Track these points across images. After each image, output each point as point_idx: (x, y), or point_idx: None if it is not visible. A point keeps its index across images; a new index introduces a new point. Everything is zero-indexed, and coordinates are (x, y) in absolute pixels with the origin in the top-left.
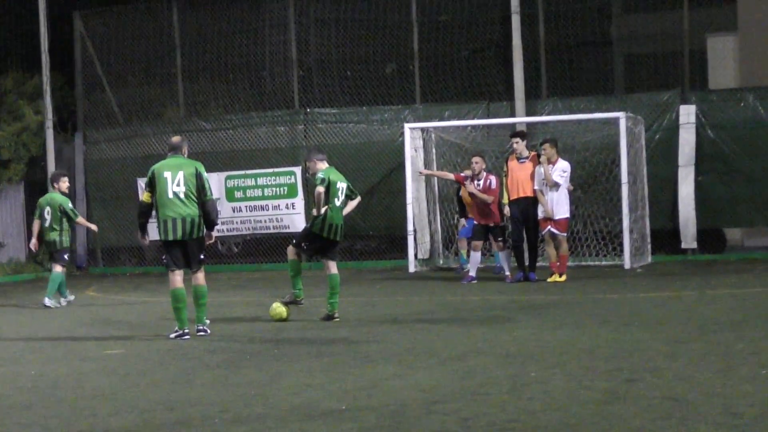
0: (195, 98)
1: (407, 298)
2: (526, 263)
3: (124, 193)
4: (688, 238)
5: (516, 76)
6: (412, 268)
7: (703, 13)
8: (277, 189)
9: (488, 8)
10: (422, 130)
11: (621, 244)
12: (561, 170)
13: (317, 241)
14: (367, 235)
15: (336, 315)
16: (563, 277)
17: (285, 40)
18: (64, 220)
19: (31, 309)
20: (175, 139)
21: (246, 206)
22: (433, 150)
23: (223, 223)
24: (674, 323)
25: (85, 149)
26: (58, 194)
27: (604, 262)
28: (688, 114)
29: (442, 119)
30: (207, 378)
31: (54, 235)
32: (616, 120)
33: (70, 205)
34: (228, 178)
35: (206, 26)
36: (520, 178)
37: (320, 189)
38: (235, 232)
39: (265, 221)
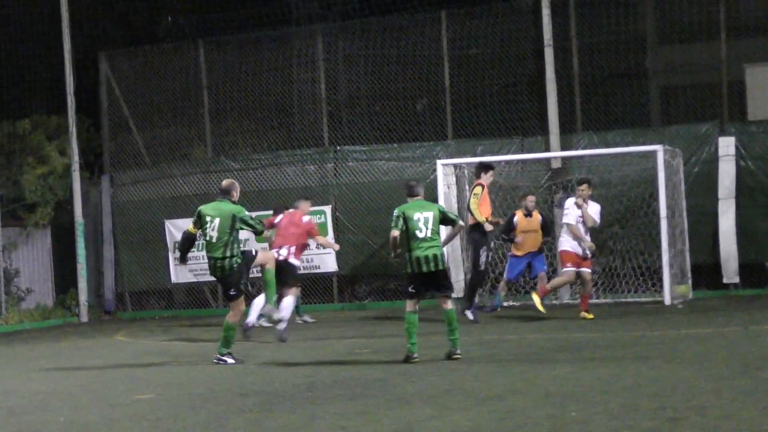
0: (223, 138)
1: (443, 338)
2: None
3: (151, 236)
4: (730, 273)
5: (550, 110)
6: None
7: (741, 43)
8: None
9: (520, 41)
10: (455, 166)
11: (660, 280)
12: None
13: (417, 279)
14: (400, 275)
15: (458, 352)
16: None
17: (313, 77)
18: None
19: (60, 355)
20: (225, 182)
21: None
22: (467, 186)
23: (253, 265)
24: (717, 360)
25: (112, 192)
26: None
27: (643, 299)
28: (727, 146)
29: (474, 155)
30: (240, 422)
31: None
32: (653, 153)
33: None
34: (258, 217)
35: (233, 65)
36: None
37: (393, 233)
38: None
39: None
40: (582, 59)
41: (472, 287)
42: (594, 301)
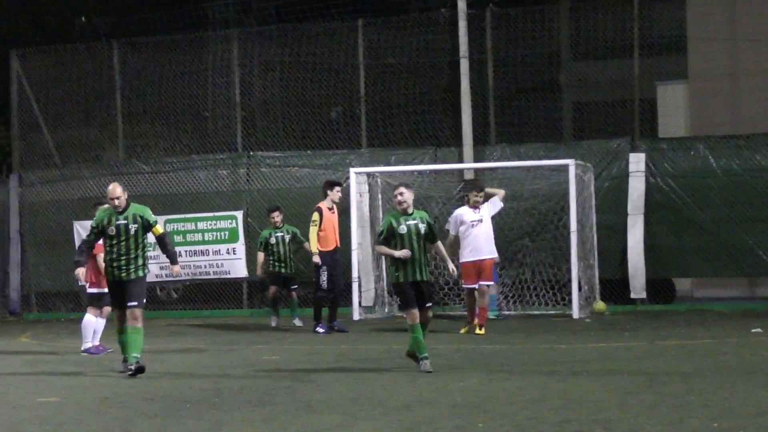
0: (135, 141)
1: (351, 347)
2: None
3: (60, 237)
4: (638, 288)
5: (464, 122)
6: (356, 316)
7: (653, 61)
8: (218, 233)
9: (436, 52)
10: (368, 174)
11: (569, 293)
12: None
13: (405, 288)
14: (309, 282)
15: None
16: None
17: (228, 82)
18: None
19: None
20: None
21: (186, 251)
22: (379, 195)
23: (162, 268)
24: (624, 374)
25: (21, 191)
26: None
27: (551, 311)
28: (638, 162)
29: (388, 164)
30: (145, 427)
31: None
32: (565, 167)
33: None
34: (168, 221)
35: (147, 67)
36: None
37: (378, 249)
38: (174, 278)
39: (206, 266)
40: (497, 72)
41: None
42: (504, 312)
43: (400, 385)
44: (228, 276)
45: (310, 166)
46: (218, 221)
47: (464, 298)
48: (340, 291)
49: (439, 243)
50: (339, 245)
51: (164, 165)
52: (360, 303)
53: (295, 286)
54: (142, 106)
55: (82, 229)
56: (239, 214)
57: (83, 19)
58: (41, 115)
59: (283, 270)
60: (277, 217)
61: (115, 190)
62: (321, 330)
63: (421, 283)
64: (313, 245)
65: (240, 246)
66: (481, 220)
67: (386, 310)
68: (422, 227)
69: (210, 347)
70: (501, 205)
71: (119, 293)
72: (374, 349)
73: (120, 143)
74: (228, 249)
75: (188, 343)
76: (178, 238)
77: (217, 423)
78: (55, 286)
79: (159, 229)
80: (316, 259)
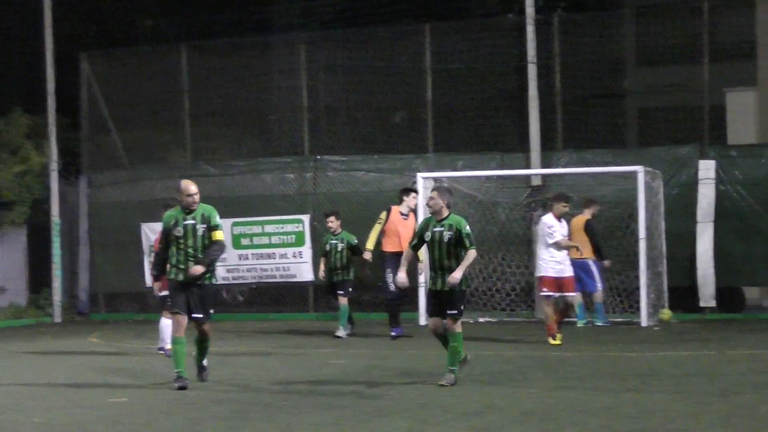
0: (202, 143)
1: (419, 352)
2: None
3: (127, 238)
4: (707, 297)
5: (531, 127)
6: (423, 321)
7: (721, 67)
8: (285, 237)
9: (504, 57)
10: (435, 179)
11: (637, 301)
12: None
13: (427, 297)
14: (376, 286)
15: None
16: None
17: (294, 85)
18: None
19: (33, 355)
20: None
21: (253, 254)
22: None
23: (228, 271)
24: (695, 384)
25: (89, 192)
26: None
27: (619, 319)
28: (707, 169)
29: (454, 169)
30: (215, 429)
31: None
32: (633, 174)
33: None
34: (234, 224)
35: (215, 70)
36: (402, 232)
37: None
38: (240, 281)
39: (272, 270)
40: (564, 77)
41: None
42: (570, 319)
43: (468, 392)
44: (294, 280)
45: (375, 170)
46: (285, 225)
47: (546, 307)
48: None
49: (471, 252)
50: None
51: (231, 168)
52: (426, 308)
53: (341, 292)
54: (209, 108)
55: (149, 231)
56: (306, 218)
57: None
58: (110, 117)
59: (334, 278)
60: (332, 222)
61: (189, 186)
62: (394, 333)
63: (441, 292)
64: (371, 241)
65: (306, 250)
66: (565, 235)
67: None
68: (446, 235)
69: (276, 351)
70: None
71: (183, 295)
72: (441, 354)
73: (187, 145)
74: (294, 252)
75: (255, 347)
76: (245, 241)
77: (287, 426)
78: (122, 286)
79: (219, 235)
80: (368, 255)
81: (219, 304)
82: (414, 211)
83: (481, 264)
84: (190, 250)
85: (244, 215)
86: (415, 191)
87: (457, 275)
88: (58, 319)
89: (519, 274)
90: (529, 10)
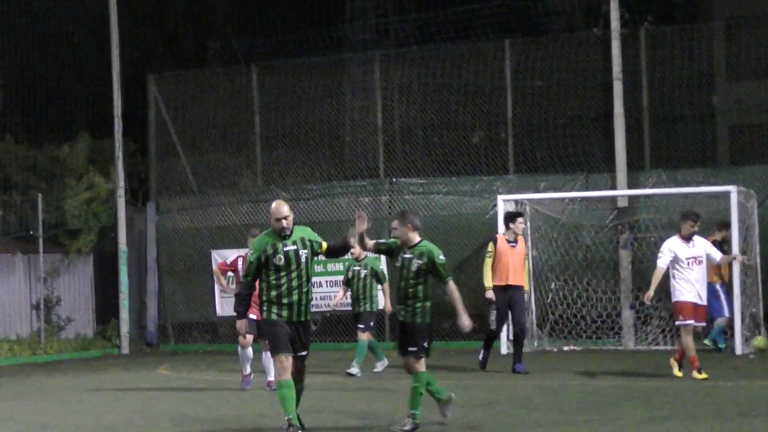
0: (273, 166)
1: (501, 382)
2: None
3: (197, 266)
4: None
5: (618, 146)
6: (504, 350)
7: None
8: (360, 264)
9: (588, 74)
10: (516, 202)
11: (730, 327)
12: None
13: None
14: (454, 314)
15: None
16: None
17: (368, 105)
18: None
19: (102, 388)
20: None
21: (326, 281)
22: (528, 223)
23: None
24: None
25: (158, 219)
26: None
27: (711, 347)
28: None
29: (537, 191)
30: None
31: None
32: (726, 194)
33: (382, 267)
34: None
35: (286, 90)
36: (511, 262)
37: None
38: (314, 309)
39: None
40: (651, 94)
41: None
42: (660, 348)
43: (555, 424)
44: None
45: (454, 192)
46: None
47: (685, 336)
48: (521, 330)
49: (450, 285)
50: (520, 283)
51: (304, 192)
52: (508, 336)
53: (361, 326)
54: (280, 130)
55: (219, 258)
56: None
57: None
58: (178, 140)
59: (357, 308)
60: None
61: (281, 208)
62: (481, 357)
63: (405, 324)
64: (487, 279)
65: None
66: (697, 258)
67: (535, 344)
68: (415, 263)
69: (352, 382)
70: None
71: (287, 334)
72: (524, 385)
73: (258, 169)
74: None
75: (330, 378)
76: (318, 268)
77: None
78: (192, 316)
79: (324, 245)
80: (490, 294)
81: None
82: (520, 236)
83: (566, 290)
84: (294, 282)
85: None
86: (521, 215)
87: (466, 321)
88: (125, 350)
89: (605, 299)
90: (615, 24)
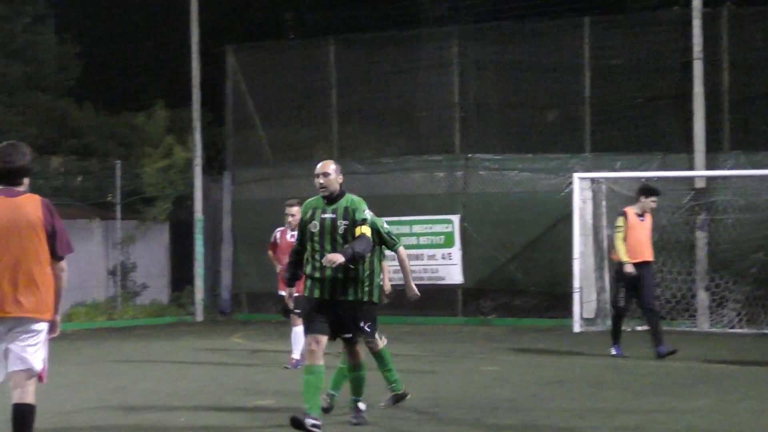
0: (348, 140)
1: (573, 360)
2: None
3: (270, 237)
4: None
5: (696, 126)
6: (577, 328)
7: None
8: (434, 238)
9: (668, 53)
10: (592, 180)
11: None
12: None
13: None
14: (527, 291)
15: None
16: None
17: (444, 81)
18: None
19: (177, 354)
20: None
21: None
22: (603, 202)
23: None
24: None
25: (233, 189)
26: None
27: None
28: None
29: (613, 170)
30: None
31: None
32: None
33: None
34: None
35: (363, 64)
36: (641, 237)
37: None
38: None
39: (419, 271)
40: (732, 75)
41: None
42: (736, 331)
43: (626, 403)
44: (442, 282)
45: (529, 170)
46: (433, 225)
47: None
48: (651, 309)
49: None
50: (649, 258)
51: (379, 165)
52: (581, 315)
53: None
54: (355, 103)
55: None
56: (455, 219)
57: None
58: (255, 112)
59: None
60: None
61: (323, 164)
62: (614, 352)
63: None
64: (622, 254)
65: (456, 251)
66: None
67: (608, 322)
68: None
69: (424, 355)
70: None
71: (325, 315)
72: (595, 364)
73: (334, 142)
74: (443, 254)
75: (401, 350)
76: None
77: None
78: (264, 286)
79: (365, 229)
80: (629, 268)
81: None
82: (648, 214)
83: None
84: (327, 254)
85: (391, 215)
86: (658, 193)
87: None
88: (199, 317)
89: (680, 281)
90: (696, 2)
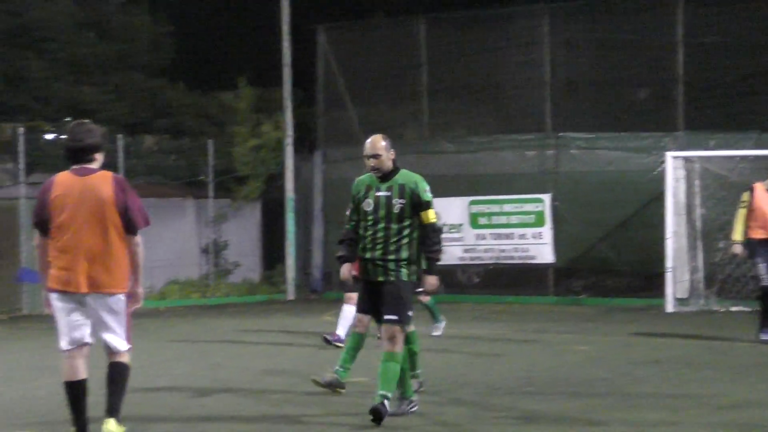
0: (438, 118)
1: (667, 340)
2: None
3: None
4: None
5: None
6: (670, 308)
7: None
8: (524, 217)
9: (764, 30)
10: (685, 159)
11: None
12: None
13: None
14: (618, 270)
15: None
16: None
17: (534, 59)
18: None
19: (270, 333)
20: None
21: (490, 234)
22: (697, 181)
23: (465, 251)
24: None
25: (324, 168)
26: None
27: None
28: None
29: (707, 148)
30: (457, 414)
31: None
32: None
33: None
34: (472, 203)
35: (453, 43)
36: None
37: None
38: (477, 261)
39: (510, 251)
40: None
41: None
42: None
43: (722, 383)
44: (533, 261)
45: (621, 148)
46: (524, 204)
47: None
48: None
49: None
50: None
51: (469, 144)
52: (674, 295)
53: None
54: (445, 82)
55: None
56: (546, 197)
57: None
58: (345, 90)
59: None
60: None
61: (373, 144)
62: (765, 337)
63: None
64: (737, 231)
65: (547, 230)
66: None
67: (702, 302)
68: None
69: (515, 334)
70: None
71: (373, 297)
72: (691, 344)
73: (424, 121)
74: (534, 233)
75: (493, 329)
76: (482, 221)
77: (532, 413)
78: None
79: (431, 215)
80: (737, 249)
81: (454, 285)
82: None
83: None
84: (380, 234)
85: (482, 194)
86: None
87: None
88: (291, 296)
89: None
90: None
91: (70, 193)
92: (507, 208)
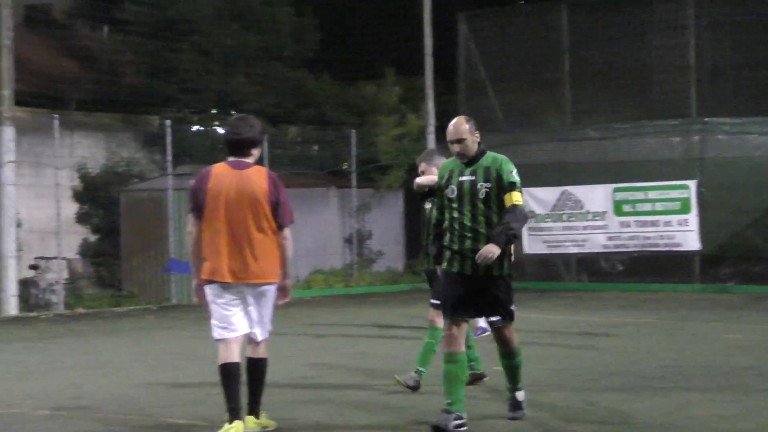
0: (580, 105)
1: None
2: None
3: None
4: None
5: None
6: None
7: None
8: (669, 204)
9: None
10: None
11: None
12: None
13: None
14: (767, 258)
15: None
16: None
17: (678, 44)
18: None
19: (409, 320)
20: None
21: (635, 221)
22: None
23: (609, 239)
24: None
25: None
26: None
27: None
28: None
29: None
30: (608, 401)
31: None
32: None
33: None
34: (616, 190)
35: (595, 28)
36: None
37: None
38: (621, 249)
39: (655, 238)
40: None
41: None
42: None
43: None
44: (679, 249)
45: None
46: (669, 191)
47: None
48: None
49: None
50: None
51: (612, 131)
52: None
53: None
54: (588, 68)
55: (528, 197)
56: (692, 184)
57: None
58: (487, 78)
59: None
60: None
61: (457, 127)
62: None
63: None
64: None
65: (693, 217)
66: None
67: None
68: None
69: (662, 322)
70: None
71: (464, 293)
72: None
73: (567, 108)
74: (679, 220)
75: (639, 317)
76: (626, 208)
77: (685, 402)
78: None
79: (515, 197)
80: None
81: (597, 274)
82: None
83: None
84: (468, 222)
85: (625, 180)
86: None
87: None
88: None
89: None
90: None
91: (226, 185)
92: (652, 195)
